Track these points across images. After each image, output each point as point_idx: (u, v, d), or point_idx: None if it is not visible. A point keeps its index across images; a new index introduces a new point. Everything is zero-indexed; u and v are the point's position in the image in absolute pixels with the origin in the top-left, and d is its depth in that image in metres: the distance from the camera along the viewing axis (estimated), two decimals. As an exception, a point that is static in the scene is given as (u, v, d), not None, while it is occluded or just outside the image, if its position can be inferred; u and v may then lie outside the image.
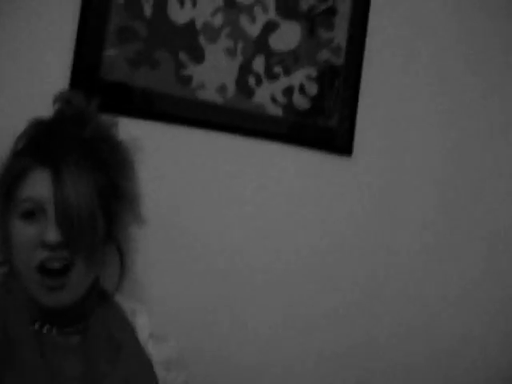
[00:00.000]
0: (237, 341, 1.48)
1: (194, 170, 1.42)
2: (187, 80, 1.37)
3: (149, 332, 1.18)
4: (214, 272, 1.44)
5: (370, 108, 1.60)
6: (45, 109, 1.20)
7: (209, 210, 1.44)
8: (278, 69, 1.47)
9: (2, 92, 1.25)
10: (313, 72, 1.52)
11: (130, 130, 1.27)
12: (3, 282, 1.12)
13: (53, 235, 1.01)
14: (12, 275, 1.11)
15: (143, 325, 1.19)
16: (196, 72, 1.38)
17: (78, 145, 1.12)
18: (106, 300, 1.18)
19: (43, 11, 1.26)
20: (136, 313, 1.20)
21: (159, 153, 1.36)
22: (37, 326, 1.08)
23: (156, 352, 1.16)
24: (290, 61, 1.49)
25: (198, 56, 1.38)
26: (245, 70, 1.43)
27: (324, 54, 1.53)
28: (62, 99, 1.21)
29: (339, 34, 1.54)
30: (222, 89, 1.41)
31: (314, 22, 1.52)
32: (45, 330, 1.09)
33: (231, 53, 1.42)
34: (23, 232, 1.04)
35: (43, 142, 1.11)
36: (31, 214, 1.04)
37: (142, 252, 1.35)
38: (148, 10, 1.33)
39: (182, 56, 1.36)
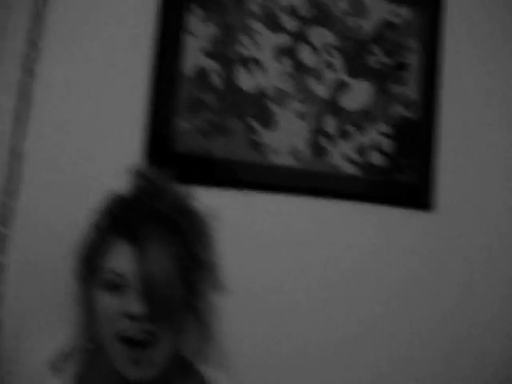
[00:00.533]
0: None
1: (273, 235, 1.39)
2: (259, 146, 1.37)
3: None
4: (298, 338, 1.39)
5: (449, 160, 1.55)
6: (121, 182, 1.22)
7: (291, 273, 1.41)
8: (350, 128, 1.45)
9: (78, 166, 1.28)
10: (387, 128, 1.49)
11: (207, 199, 1.28)
12: (88, 356, 1.13)
13: (136, 307, 1.03)
14: (95, 349, 1.11)
15: None
16: (268, 137, 1.38)
17: (156, 218, 1.14)
18: (188, 369, 1.16)
19: (116, 86, 1.30)
20: (218, 381, 1.18)
21: (236, 220, 1.35)
22: None
23: None
24: (363, 119, 1.47)
25: (269, 121, 1.38)
26: (317, 131, 1.42)
27: (397, 110, 1.50)
28: (139, 172, 1.23)
29: (411, 88, 1.51)
30: (295, 152, 1.40)
31: (385, 79, 1.50)
32: None
33: (302, 116, 1.41)
34: (107, 303, 1.05)
35: (124, 217, 1.13)
36: (115, 287, 1.06)
37: (224, 320, 1.32)
38: (217, 81, 1.35)
39: (253, 123, 1.36)
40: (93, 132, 1.29)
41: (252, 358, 1.36)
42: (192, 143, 1.32)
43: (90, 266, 1.10)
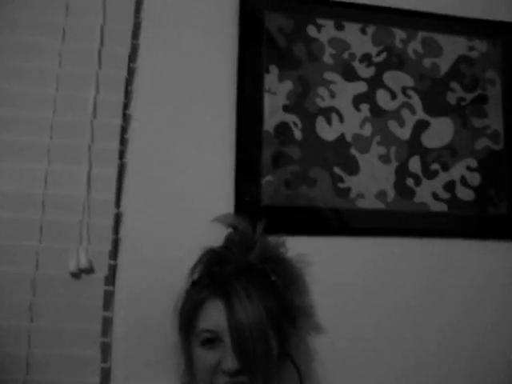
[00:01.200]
0: None
1: (364, 278, 1.42)
2: (345, 192, 1.40)
3: None
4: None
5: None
6: (214, 237, 1.29)
7: (383, 316, 1.41)
8: (435, 166, 1.46)
9: (174, 223, 1.36)
10: (472, 162, 1.49)
11: (298, 247, 1.33)
12: None
13: (231, 363, 1.08)
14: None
15: None
16: (353, 183, 1.41)
17: (246, 269, 1.19)
18: None
19: (206, 149, 1.39)
20: None
21: (328, 265, 1.39)
22: None
23: None
24: (447, 156, 1.47)
25: (353, 167, 1.41)
26: (401, 172, 1.44)
27: (481, 143, 1.50)
28: (229, 225, 1.30)
29: (494, 120, 1.51)
30: (382, 195, 1.42)
31: (466, 113, 1.50)
32: None
33: (385, 159, 1.43)
34: (204, 359, 1.11)
35: (215, 273, 1.19)
36: (211, 342, 1.12)
37: (320, 362, 1.35)
38: (298, 134, 1.40)
39: (337, 170, 1.40)
40: (187, 192, 1.37)
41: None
42: (279, 195, 1.37)
43: (188, 322, 1.17)
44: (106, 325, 1.33)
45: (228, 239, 1.31)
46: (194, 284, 1.21)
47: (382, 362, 1.40)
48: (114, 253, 1.35)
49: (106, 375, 1.32)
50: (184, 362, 1.20)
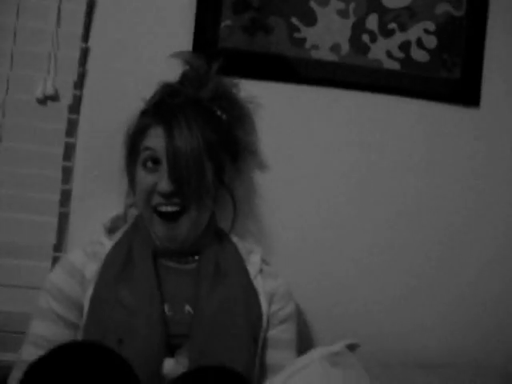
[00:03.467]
0: (347, 280, 1.52)
1: (311, 126, 1.50)
2: (301, 42, 1.47)
3: (259, 268, 1.29)
4: (327, 216, 1.51)
5: (496, 57, 1.56)
6: (172, 73, 1.38)
7: (328, 160, 1.51)
8: (392, 25, 1.51)
9: (136, 59, 1.45)
10: (431, 25, 1.53)
11: (250, 89, 1.42)
12: (134, 220, 1.30)
13: (165, 185, 1.18)
14: (140, 216, 1.30)
15: (255, 262, 1.30)
16: (309, 34, 1.47)
17: (193, 103, 1.29)
18: (222, 238, 1.31)
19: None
20: (251, 252, 1.31)
21: (278, 109, 1.48)
22: (159, 254, 1.26)
23: (262, 285, 1.27)
24: (406, 16, 1.52)
25: (310, 19, 1.47)
26: (358, 28, 1.50)
27: (442, 7, 1.54)
28: (186, 62, 1.38)
29: (455, -16, 1.54)
30: (336, 47, 1.49)
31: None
32: (165, 258, 1.25)
33: (343, 14, 1.49)
34: (144, 180, 1.22)
35: (164, 103, 1.28)
36: (151, 164, 1.22)
37: (260, 196, 1.45)
38: (260, -18, 1.46)
39: (294, 20, 1.46)
40: (148, 29, 1.45)
41: (286, 233, 1.49)
42: (235, 39, 1.44)
43: (133, 146, 1.27)
44: (69, 150, 1.44)
45: (183, 75, 1.40)
46: (142, 112, 1.30)
47: (320, 204, 1.51)
48: (80, 84, 1.44)
49: (66, 196, 1.44)
50: (128, 184, 1.31)
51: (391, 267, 1.53)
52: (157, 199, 1.21)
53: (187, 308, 1.20)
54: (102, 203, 1.41)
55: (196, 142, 1.19)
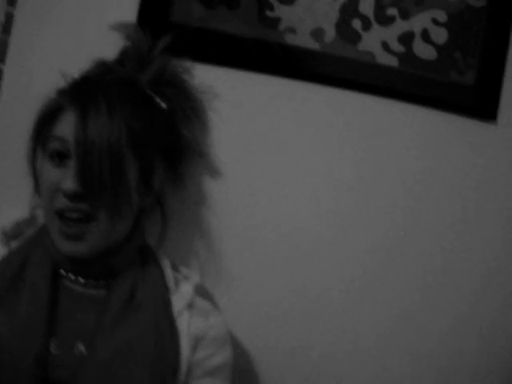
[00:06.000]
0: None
1: (281, 126, 1.22)
2: (274, 22, 1.19)
3: (188, 302, 1.01)
4: (291, 237, 1.22)
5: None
6: (108, 50, 1.12)
7: (294, 166, 1.23)
8: (392, 11, 1.22)
9: (61, 28, 1.20)
10: (441, 15, 1.24)
11: (206, 76, 1.15)
12: (42, 226, 1.05)
13: (70, 184, 0.92)
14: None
15: (184, 293, 1.03)
16: (285, 13, 1.19)
17: (125, 85, 1.02)
18: (147, 259, 1.04)
19: None
20: (185, 280, 1.04)
21: (237, 102, 1.20)
22: (62, 272, 1.00)
23: (187, 324, 0.99)
24: (410, 2, 1.22)
25: (288, -6, 1.19)
26: (348, 11, 1.21)
27: (456, -7, 1.24)
28: (127, 37, 1.12)
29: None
30: (319, 33, 1.20)
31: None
32: (68, 278, 1.00)
33: (331, -9, 1.20)
34: (48, 174, 0.96)
35: (85, 82, 1.02)
36: (59, 157, 0.96)
37: (213, 210, 1.18)
38: None
39: (267, -6, 1.19)
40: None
41: (240, 256, 1.21)
42: (191, 13, 1.17)
43: (39, 131, 1.01)
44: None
45: (123, 52, 1.14)
46: (58, 92, 1.03)
47: (283, 221, 1.22)
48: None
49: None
50: (32, 179, 1.04)
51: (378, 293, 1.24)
52: (61, 201, 0.94)
53: (80, 347, 0.94)
54: (16, 201, 1.13)
55: (117, 133, 0.93)
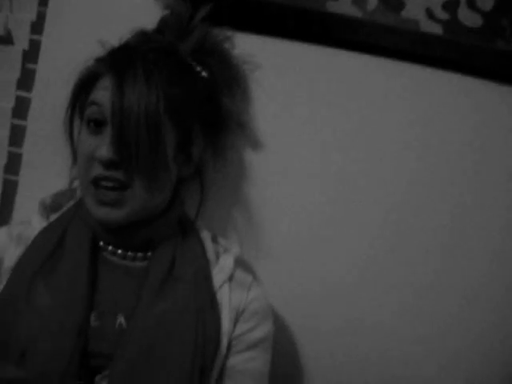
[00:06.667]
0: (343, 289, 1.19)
1: (324, 95, 1.18)
2: (314, -11, 1.16)
3: (228, 275, 0.99)
4: (330, 214, 1.19)
5: None
6: (147, 19, 1.10)
7: (338, 141, 1.19)
8: (436, -25, 1.18)
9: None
10: (487, -20, 1.19)
11: (247, 46, 1.13)
12: (80, 197, 1.03)
13: (105, 151, 0.91)
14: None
15: (224, 266, 1.01)
16: (325, -20, 1.16)
17: (164, 53, 1.00)
18: (186, 231, 1.02)
19: None
20: (226, 252, 1.02)
21: (278, 72, 1.17)
22: (101, 244, 0.99)
23: (228, 297, 0.97)
24: (455, -36, 1.18)
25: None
26: (390, -24, 1.17)
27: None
28: (166, 6, 1.10)
29: None
30: (361, 0, 1.16)
31: None
32: (107, 250, 0.98)
33: (373, -45, 1.17)
34: (85, 142, 0.95)
35: (123, 49, 1.00)
36: (97, 124, 0.94)
37: (253, 183, 1.16)
38: None
39: (308, -41, 1.15)
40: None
41: (279, 230, 1.19)
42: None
43: (77, 99, 1.01)
44: (21, 105, 1.19)
45: (162, 22, 1.12)
46: (97, 59, 1.02)
47: (323, 199, 1.19)
48: (39, 27, 1.18)
49: (14, 160, 1.19)
50: (70, 148, 1.04)
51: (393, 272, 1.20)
52: (96, 169, 0.93)
53: (120, 320, 0.94)
54: (59, 171, 1.12)
55: (154, 100, 0.91)
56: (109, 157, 0.91)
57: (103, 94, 0.94)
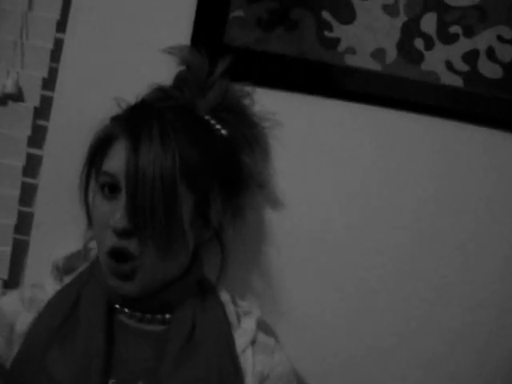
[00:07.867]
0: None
1: (347, 151, 1.16)
2: (333, 43, 1.14)
3: (251, 339, 0.96)
4: (357, 276, 1.16)
5: None
6: (163, 74, 1.08)
7: (361, 197, 1.17)
8: (455, 28, 1.16)
9: (115, 54, 1.15)
10: (506, 32, 1.17)
11: (266, 101, 1.10)
12: (94, 259, 1.00)
13: (118, 219, 0.87)
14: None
15: (247, 329, 0.97)
16: (344, 33, 1.14)
17: (182, 111, 0.97)
18: (206, 294, 0.99)
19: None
20: (246, 315, 0.98)
21: (298, 128, 1.15)
22: (117, 306, 0.96)
23: (252, 362, 0.93)
24: (474, 18, 1.17)
25: (347, 14, 1.14)
26: (410, 30, 1.15)
27: (523, 8, 1.18)
28: (183, 60, 1.08)
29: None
30: (380, 53, 1.15)
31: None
32: (123, 312, 0.95)
33: (391, 10, 1.15)
34: (100, 208, 0.92)
35: (139, 107, 0.97)
36: (111, 190, 0.91)
37: (274, 244, 1.12)
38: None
39: (326, 15, 1.14)
40: (138, 18, 1.15)
41: (301, 293, 1.15)
42: (247, 36, 1.13)
43: (92, 161, 0.98)
44: (33, 163, 1.16)
45: (179, 77, 1.10)
46: (112, 118, 0.99)
47: (349, 247, 1.17)
48: (51, 83, 1.15)
49: (25, 220, 1.16)
50: (84, 210, 1.00)
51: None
52: (111, 239, 0.90)
53: None
54: (71, 232, 1.09)
55: (170, 163, 0.87)
56: (122, 226, 0.87)
57: (117, 163, 0.90)
